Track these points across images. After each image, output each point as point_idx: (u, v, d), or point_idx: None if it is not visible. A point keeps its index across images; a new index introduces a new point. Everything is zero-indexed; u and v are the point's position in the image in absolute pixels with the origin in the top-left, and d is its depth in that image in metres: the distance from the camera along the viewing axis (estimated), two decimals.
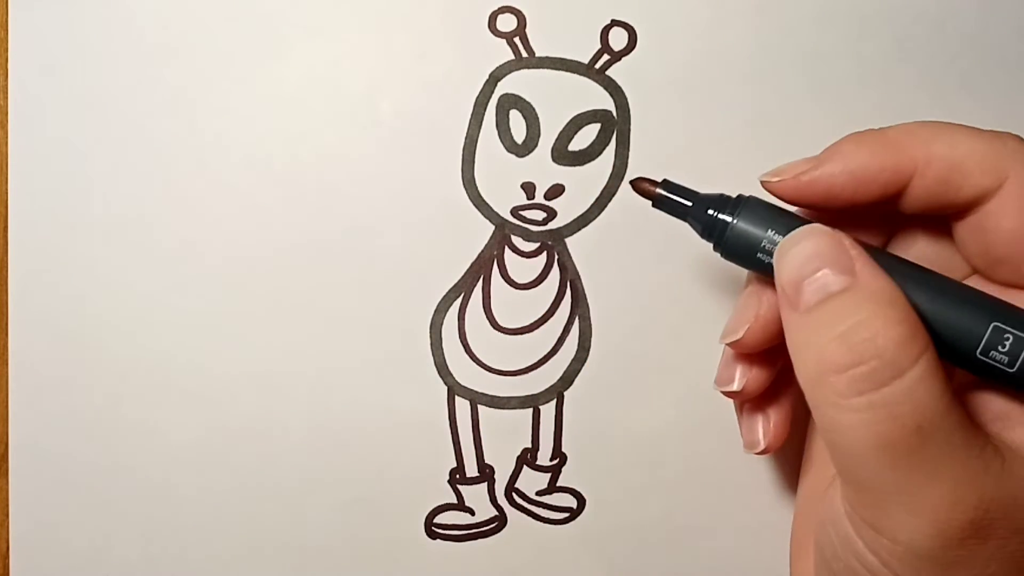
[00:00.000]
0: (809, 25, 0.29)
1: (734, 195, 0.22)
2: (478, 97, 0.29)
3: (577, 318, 0.30)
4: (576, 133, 0.29)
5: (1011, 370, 0.18)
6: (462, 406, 0.30)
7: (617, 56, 0.29)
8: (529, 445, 0.30)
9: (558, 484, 0.30)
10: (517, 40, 0.29)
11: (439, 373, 0.30)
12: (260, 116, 0.29)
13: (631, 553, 0.30)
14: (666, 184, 0.23)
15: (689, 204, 0.23)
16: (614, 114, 0.29)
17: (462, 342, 0.30)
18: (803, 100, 0.29)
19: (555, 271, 0.30)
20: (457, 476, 0.30)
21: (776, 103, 0.29)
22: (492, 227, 0.29)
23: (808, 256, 0.19)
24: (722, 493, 0.30)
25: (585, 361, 0.30)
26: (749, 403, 0.25)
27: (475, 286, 0.29)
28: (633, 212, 0.29)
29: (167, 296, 0.29)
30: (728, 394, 0.24)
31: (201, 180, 0.29)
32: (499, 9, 0.29)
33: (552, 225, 0.29)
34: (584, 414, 0.30)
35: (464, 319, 0.29)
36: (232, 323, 0.29)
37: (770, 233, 0.21)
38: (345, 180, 0.29)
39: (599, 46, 0.29)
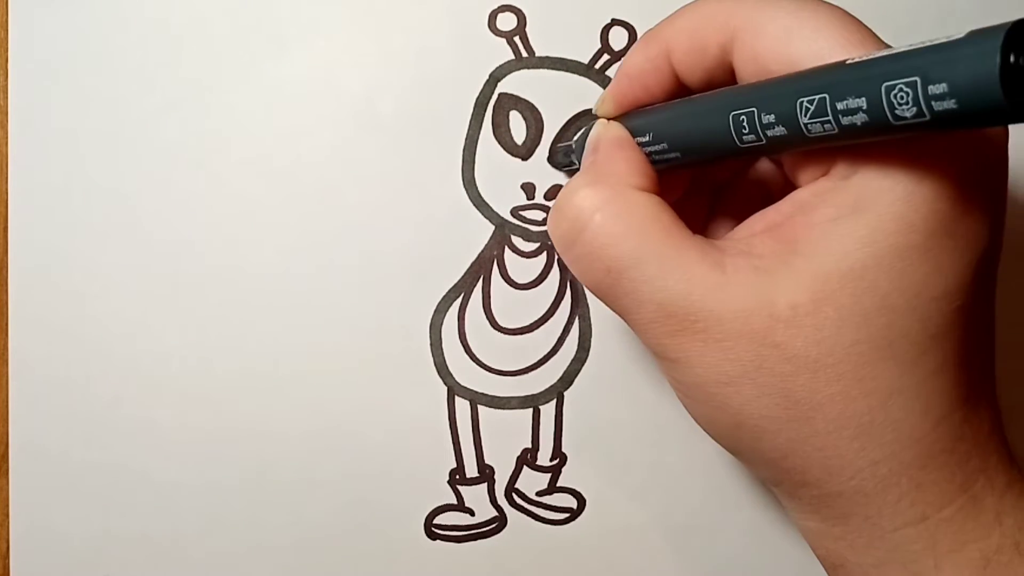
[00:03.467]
0: None
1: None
2: (478, 97, 0.29)
3: (577, 318, 0.30)
4: (576, 133, 0.29)
5: (762, 143, 0.19)
6: (462, 406, 0.30)
7: (617, 56, 0.29)
8: (529, 445, 0.30)
9: (558, 484, 0.30)
10: (517, 40, 0.29)
11: (439, 373, 0.30)
12: (260, 116, 0.29)
13: (631, 553, 0.30)
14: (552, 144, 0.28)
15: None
16: None
17: (462, 342, 0.30)
18: None
19: (555, 271, 0.30)
20: (457, 476, 0.30)
21: None
22: (492, 227, 0.29)
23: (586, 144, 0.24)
24: (722, 493, 0.30)
25: (585, 361, 0.30)
26: None
27: (475, 286, 0.29)
28: None
29: (167, 296, 0.29)
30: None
31: (201, 180, 0.29)
32: (499, 8, 0.29)
33: None
34: (584, 414, 0.30)
35: (464, 319, 0.29)
36: (232, 323, 0.29)
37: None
38: (345, 180, 0.29)
39: (599, 46, 0.29)
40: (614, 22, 0.29)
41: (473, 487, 0.30)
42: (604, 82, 0.29)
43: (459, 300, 0.29)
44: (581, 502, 0.30)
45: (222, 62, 0.29)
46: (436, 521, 0.30)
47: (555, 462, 0.30)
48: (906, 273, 0.18)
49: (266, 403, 0.29)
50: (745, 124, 0.19)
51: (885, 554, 0.20)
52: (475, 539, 0.30)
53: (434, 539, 0.30)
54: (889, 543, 0.20)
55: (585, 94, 0.29)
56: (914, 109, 0.15)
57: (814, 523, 0.21)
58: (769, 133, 0.19)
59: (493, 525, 0.30)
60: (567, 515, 0.30)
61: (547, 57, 0.29)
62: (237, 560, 0.30)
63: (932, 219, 0.18)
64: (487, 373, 0.30)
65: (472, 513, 0.30)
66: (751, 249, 0.20)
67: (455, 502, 0.30)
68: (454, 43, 0.29)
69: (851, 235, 0.18)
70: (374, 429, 0.29)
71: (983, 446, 0.20)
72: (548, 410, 0.30)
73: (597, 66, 0.29)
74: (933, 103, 0.15)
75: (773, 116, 0.18)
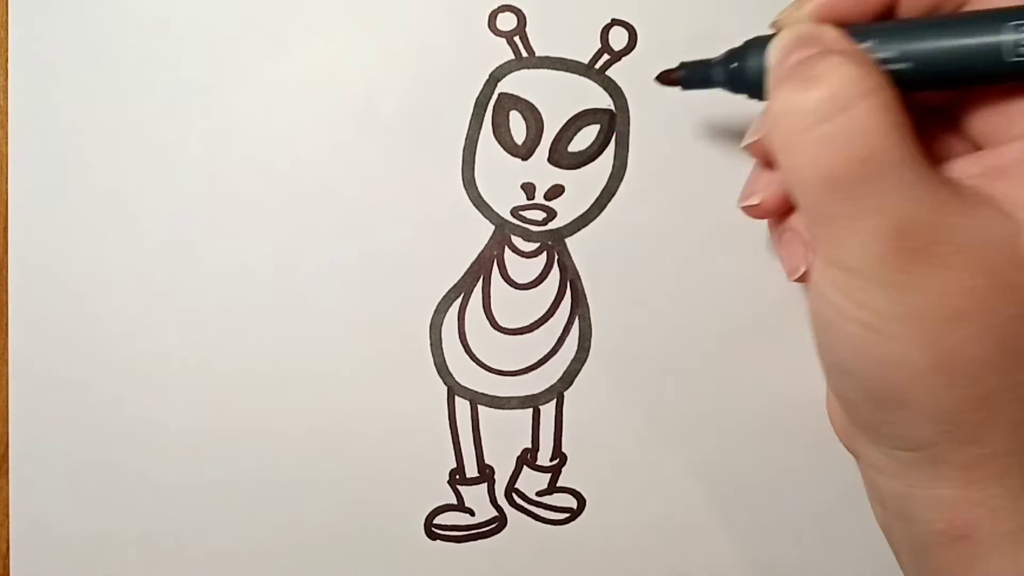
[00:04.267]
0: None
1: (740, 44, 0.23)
2: (478, 97, 0.29)
3: (577, 318, 0.30)
4: (576, 133, 0.29)
5: None
6: (462, 406, 0.30)
7: (617, 56, 0.29)
8: (529, 445, 0.30)
9: (558, 484, 0.30)
10: (517, 39, 0.29)
11: (439, 373, 0.30)
12: (260, 116, 0.29)
13: (631, 553, 0.30)
14: (683, 65, 0.25)
15: (710, 66, 0.24)
16: (614, 114, 0.29)
17: (462, 342, 0.30)
18: None
19: (555, 271, 0.30)
20: (457, 476, 0.30)
21: None
22: (492, 227, 0.29)
23: (786, 41, 0.20)
24: (722, 493, 0.30)
25: (585, 361, 0.30)
26: (781, 227, 0.24)
27: (475, 286, 0.29)
28: (633, 212, 0.29)
29: (167, 296, 0.29)
30: (749, 210, 0.24)
31: (201, 180, 0.29)
32: (499, 8, 0.29)
33: (552, 225, 0.29)
34: (584, 414, 0.30)
35: (464, 319, 0.29)
36: (232, 323, 0.29)
37: None
38: (345, 180, 0.29)
39: (599, 46, 0.29)
40: (614, 22, 0.29)
41: (473, 487, 0.30)
42: (604, 82, 0.29)
43: (459, 300, 0.29)
44: (581, 502, 0.30)
45: (222, 62, 0.29)
46: (436, 521, 0.30)
47: (555, 462, 0.30)
48: None
49: (266, 403, 0.29)
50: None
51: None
52: (475, 539, 0.30)
53: (434, 539, 0.30)
54: None
55: (585, 94, 0.29)
56: None
57: (952, 490, 0.20)
58: None
59: (493, 525, 0.30)
60: (567, 515, 0.30)
61: (547, 57, 0.29)
62: (237, 560, 0.30)
63: None
64: (487, 373, 0.30)
65: (472, 513, 0.30)
66: (981, 188, 0.19)
67: (455, 502, 0.30)
68: (454, 43, 0.29)
69: None
70: (374, 429, 0.29)
71: None
72: (548, 410, 0.30)
73: (597, 66, 0.29)
74: None
75: None
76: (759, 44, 0.22)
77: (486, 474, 0.30)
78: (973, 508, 0.20)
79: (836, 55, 0.19)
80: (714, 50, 0.24)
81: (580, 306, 0.30)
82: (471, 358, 0.30)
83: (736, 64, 0.23)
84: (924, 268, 0.18)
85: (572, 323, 0.30)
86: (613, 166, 0.29)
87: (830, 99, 0.18)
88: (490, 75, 0.29)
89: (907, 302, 0.18)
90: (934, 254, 0.18)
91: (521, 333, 0.30)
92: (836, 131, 0.18)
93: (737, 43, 0.24)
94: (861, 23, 0.21)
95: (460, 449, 0.30)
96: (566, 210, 0.29)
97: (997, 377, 0.18)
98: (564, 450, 0.30)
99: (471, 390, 0.30)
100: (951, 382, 0.19)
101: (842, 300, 0.19)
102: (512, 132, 0.29)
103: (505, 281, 0.29)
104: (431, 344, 0.29)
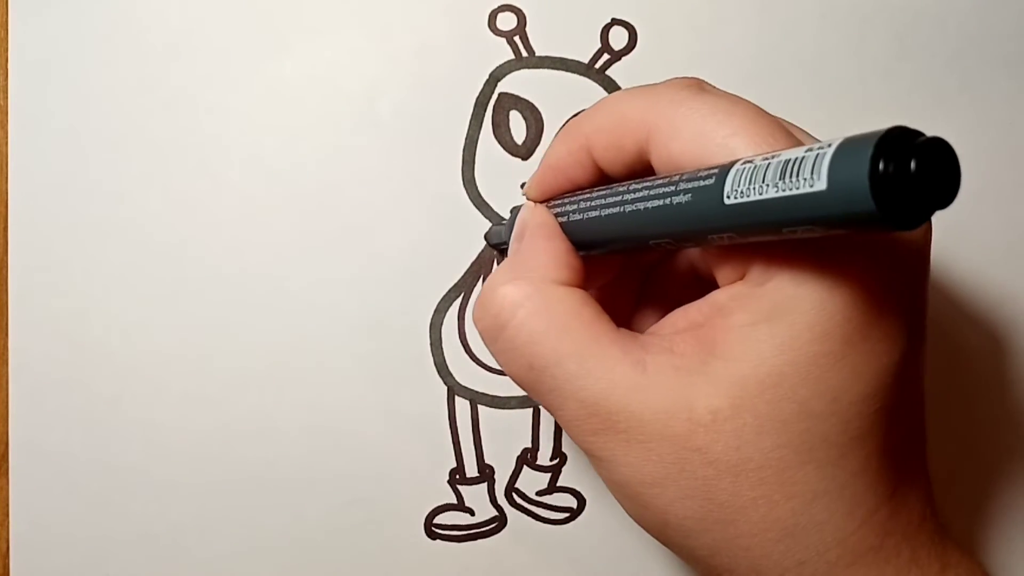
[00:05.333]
0: (810, 25, 0.29)
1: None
2: (478, 97, 0.29)
3: None
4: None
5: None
6: (462, 406, 0.30)
7: (617, 56, 0.29)
8: (529, 445, 0.30)
9: (558, 484, 0.30)
10: (517, 39, 0.29)
11: (439, 373, 0.30)
12: (260, 116, 0.29)
13: (631, 553, 0.30)
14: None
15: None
16: None
17: (462, 342, 0.30)
18: (804, 100, 0.29)
19: None
20: (457, 476, 0.30)
21: (777, 103, 0.29)
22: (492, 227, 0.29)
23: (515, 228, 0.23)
24: None
25: None
26: None
27: (475, 286, 0.29)
28: None
29: (167, 295, 0.29)
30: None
31: (201, 180, 0.29)
32: (499, 8, 0.29)
33: None
34: None
35: (464, 319, 0.29)
36: (232, 323, 0.29)
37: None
38: (345, 180, 0.29)
39: (599, 45, 0.29)
40: (614, 22, 0.29)
41: (473, 487, 0.30)
42: (604, 82, 0.29)
43: (459, 300, 0.29)
44: (581, 502, 0.30)
45: (222, 62, 0.29)
46: (436, 521, 0.30)
47: (555, 462, 0.30)
48: (823, 379, 0.18)
49: (266, 403, 0.29)
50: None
51: None
52: (475, 539, 0.30)
53: (434, 539, 0.30)
54: None
55: (585, 94, 0.29)
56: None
57: None
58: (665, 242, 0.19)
59: (493, 525, 0.30)
60: (567, 515, 0.30)
61: (547, 57, 0.29)
62: (237, 560, 0.30)
63: (847, 326, 0.18)
64: (487, 373, 0.30)
65: (472, 513, 0.30)
66: (673, 347, 0.20)
67: (455, 502, 0.30)
68: (454, 43, 0.29)
69: (767, 342, 0.18)
70: (374, 429, 0.29)
71: (913, 538, 0.20)
72: None
73: (597, 66, 0.29)
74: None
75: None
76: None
77: (486, 474, 0.30)
78: None
79: (506, 284, 0.21)
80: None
81: None
82: (471, 358, 0.30)
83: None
84: (615, 444, 0.19)
85: None
86: None
87: (493, 322, 0.21)
88: (490, 75, 0.29)
89: (616, 473, 0.20)
90: (619, 430, 0.19)
91: None
92: (502, 348, 0.21)
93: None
94: (587, 186, 0.22)
95: (460, 449, 0.30)
96: None
97: (719, 529, 0.19)
98: (564, 450, 0.30)
99: (471, 390, 0.30)
100: (681, 534, 0.20)
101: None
102: (512, 132, 0.29)
103: None
104: (431, 344, 0.29)
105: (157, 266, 0.29)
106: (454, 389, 0.30)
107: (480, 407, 0.30)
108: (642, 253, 0.25)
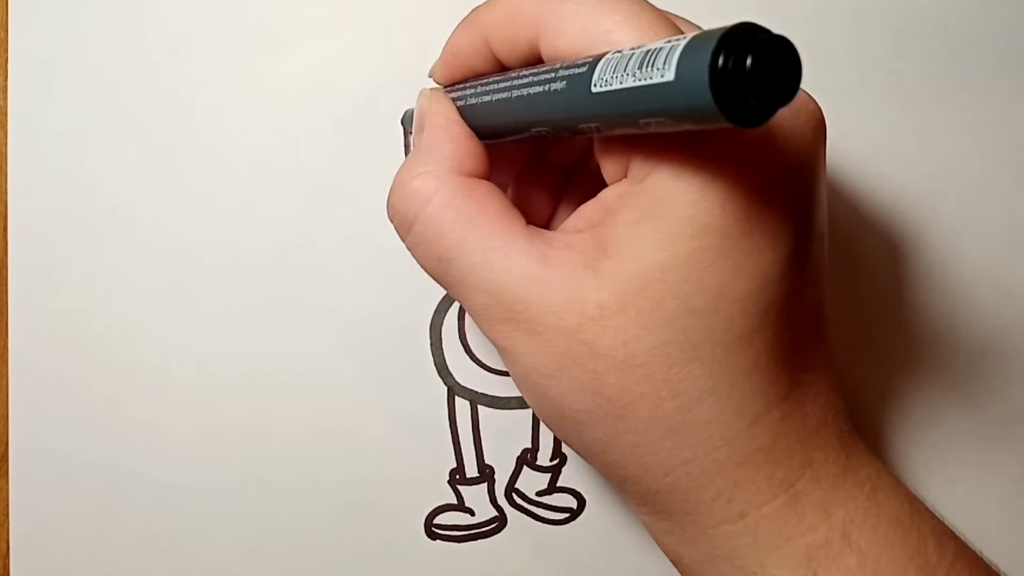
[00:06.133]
0: (809, 24, 0.29)
1: None
2: None
3: None
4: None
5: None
6: (462, 406, 0.30)
7: None
8: (529, 445, 0.30)
9: (558, 484, 0.30)
10: None
11: (439, 373, 0.30)
12: (260, 116, 0.29)
13: (631, 553, 0.30)
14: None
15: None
16: None
17: (462, 342, 0.30)
18: None
19: None
20: (457, 476, 0.30)
21: None
22: None
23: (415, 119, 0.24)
24: None
25: None
26: None
27: None
28: None
29: (167, 296, 0.29)
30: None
31: (201, 180, 0.29)
32: None
33: None
34: None
35: (464, 319, 0.29)
36: (232, 323, 0.29)
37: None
38: (345, 180, 0.29)
39: None
40: None
41: (473, 487, 0.30)
42: None
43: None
44: (581, 502, 0.30)
45: (222, 62, 0.29)
46: (436, 521, 0.30)
47: (555, 462, 0.30)
48: (704, 275, 0.18)
49: (266, 403, 0.29)
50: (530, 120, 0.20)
51: (711, 550, 0.20)
52: (475, 539, 0.30)
53: (434, 539, 0.30)
54: (712, 539, 0.20)
55: None
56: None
57: (646, 517, 0.22)
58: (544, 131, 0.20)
59: (493, 525, 0.30)
60: (567, 515, 0.30)
61: None
62: (237, 560, 0.30)
63: (726, 220, 0.18)
64: (487, 373, 0.30)
65: (472, 513, 0.30)
66: (573, 244, 0.20)
67: (455, 502, 0.30)
68: None
69: (649, 238, 0.18)
70: (374, 429, 0.29)
71: (808, 441, 0.20)
72: None
73: None
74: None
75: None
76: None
77: (486, 474, 0.30)
78: (668, 535, 0.21)
79: (413, 178, 0.21)
80: None
81: None
82: (471, 358, 0.30)
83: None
84: (518, 335, 0.20)
85: None
86: None
87: (403, 217, 0.21)
88: None
89: (517, 363, 0.20)
90: (519, 320, 0.19)
91: None
92: (413, 242, 0.21)
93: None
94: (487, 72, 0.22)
95: (460, 449, 0.30)
96: None
97: (608, 423, 0.19)
98: (564, 450, 0.30)
99: (471, 390, 0.30)
100: (575, 428, 0.20)
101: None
102: None
103: None
104: (431, 344, 0.29)
105: (157, 266, 0.29)
106: (454, 389, 0.30)
107: (480, 407, 0.30)
108: (534, 142, 0.24)
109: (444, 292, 0.29)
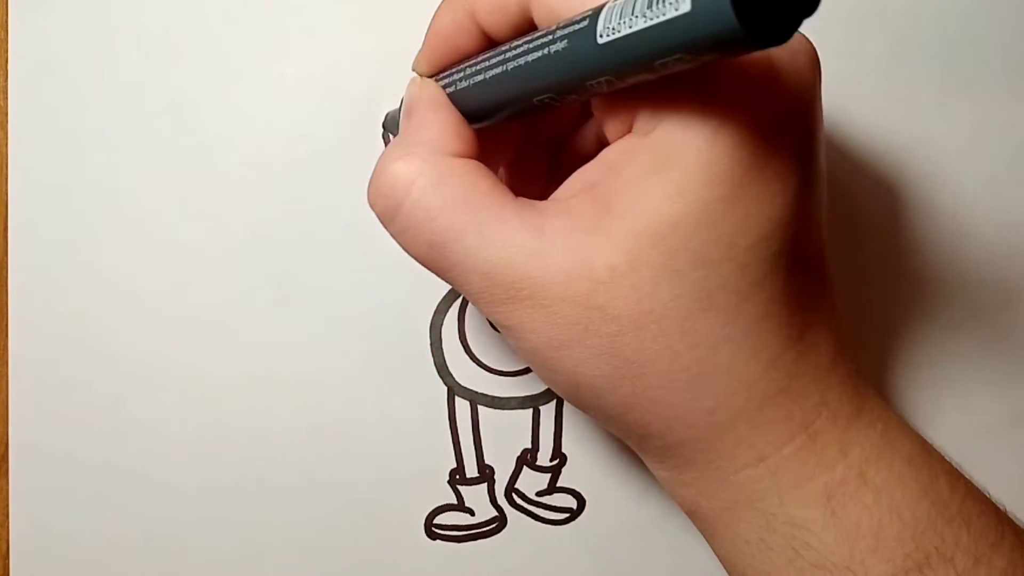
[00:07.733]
0: (809, 25, 0.29)
1: None
2: None
3: None
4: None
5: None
6: (462, 406, 0.30)
7: None
8: (529, 445, 0.30)
9: (558, 484, 0.30)
10: None
11: (439, 373, 0.30)
12: (260, 116, 0.29)
13: (631, 553, 0.30)
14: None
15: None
16: None
17: (462, 342, 0.30)
18: None
19: None
20: (457, 476, 0.30)
21: None
22: None
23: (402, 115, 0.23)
24: None
25: None
26: None
27: None
28: None
29: (167, 296, 0.29)
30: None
31: (201, 180, 0.29)
32: None
33: None
34: (584, 414, 0.30)
35: (464, 319, 0.29)
36: (232, 323, 0.29)
37: None
38: (345, 180, 0.29)
39: None
40: None
41: (473, 487, 0.30)
42: None
43: (459, 300, 0.29)
44: (581, 502, 0.30)
45: (222, 62, 0.29)
46: (436, 521, 0.30)
47: (555, 462, 0.30)
48: (717, 225, 0.18)
49: (266, 403, 0.29)
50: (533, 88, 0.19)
51: (731, 496, 0.20)
52: (475, 539, 0.30)
53: (434, 539, 0.30)
54: (734, 485, 0.20)
55: None
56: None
57: (665, 472, 0.22)
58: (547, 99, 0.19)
59: (493, 525, 0.30)
60: (567, 515, 0.30)
61: None
62: (237, 560, 0.30)
63: (736, 168, 0.18)
64: (487, 373, 0.30)
65: (472, 513, 0.30)
66: (571, 210, 0.19)
67: (455, 502, 0.30)
68: None
69: (658, 192, 0.18)
70: (374, 429, 0.29)
71: (823, 380, 0.20)
72: (548, 410, 0.30)
73: None
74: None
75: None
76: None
77: (486, 474, 0.30)
78: (687, 487, 0.21)
79: (397, 160, 0.20)
80: None
81: None
82: (471, 358, 0.30)
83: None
84: (520, 311, 0.19)
85: None
86: None
87: (387, 203, 0.20)
88: None
89: (524, 340, 0.20)
90: (523, 297, 0.19)
91: None
92: (400, 229, 0.20)
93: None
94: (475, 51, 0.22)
95: (460, 449, 0.30)
96: None
97: (627, 385, 0.19)
98: (564, 450, 0.30)
99: (471, 390, 0.30)
100: (593, 394, 0.20)
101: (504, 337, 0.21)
102: None
103: None
104: (431, 344, 0.29)
105: (157, 266, 0.29)
106: (454, 389, 0.30)
107: (480, 407, 0.30)
108: (534, 116, 0.23)
109: (444, 293, 0.29)
